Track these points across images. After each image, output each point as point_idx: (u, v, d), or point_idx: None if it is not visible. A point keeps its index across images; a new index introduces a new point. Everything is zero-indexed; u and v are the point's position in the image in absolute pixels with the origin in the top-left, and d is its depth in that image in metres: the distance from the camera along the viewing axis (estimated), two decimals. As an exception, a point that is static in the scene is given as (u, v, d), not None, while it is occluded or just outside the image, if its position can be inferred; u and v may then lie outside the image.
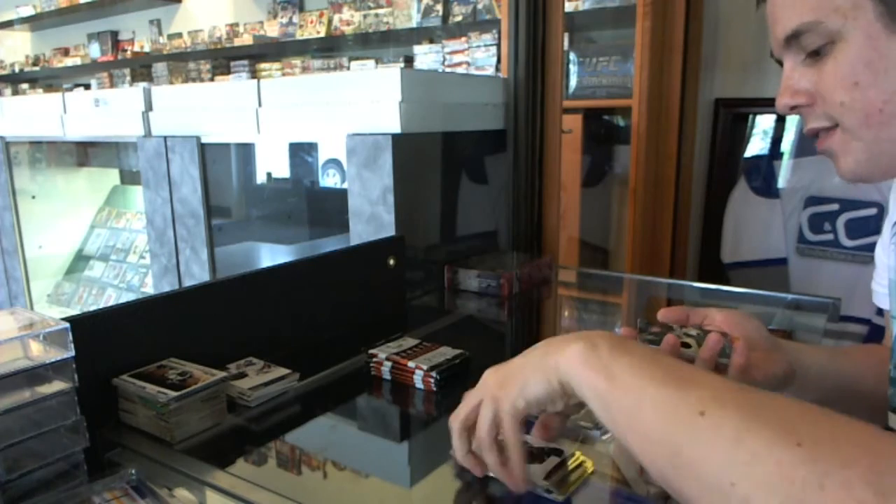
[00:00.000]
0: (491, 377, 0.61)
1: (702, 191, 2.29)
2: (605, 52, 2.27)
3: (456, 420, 0.63)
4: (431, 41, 3.19)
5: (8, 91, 5.79)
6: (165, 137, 1.73)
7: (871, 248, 0.82)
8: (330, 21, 3.59)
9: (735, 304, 1.35)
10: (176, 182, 1.74)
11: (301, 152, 1.97)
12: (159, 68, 4.46)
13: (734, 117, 2.20)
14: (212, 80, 4.15)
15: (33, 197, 2.37)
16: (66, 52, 5.35)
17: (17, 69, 5.69)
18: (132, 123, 1.80)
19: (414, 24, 3.21)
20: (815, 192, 1.95)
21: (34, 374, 0.64)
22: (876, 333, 0.86)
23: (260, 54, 4.03)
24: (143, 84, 4.53)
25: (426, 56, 3.16)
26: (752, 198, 2.10)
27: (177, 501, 0.64)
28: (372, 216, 1.31)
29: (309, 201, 2.06)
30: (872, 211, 1.83)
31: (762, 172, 2.10)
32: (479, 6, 3.00)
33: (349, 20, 3.50)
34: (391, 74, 1.27)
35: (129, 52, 4.78)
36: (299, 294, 1.04)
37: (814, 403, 0.51)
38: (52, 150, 2.45)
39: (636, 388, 0.50)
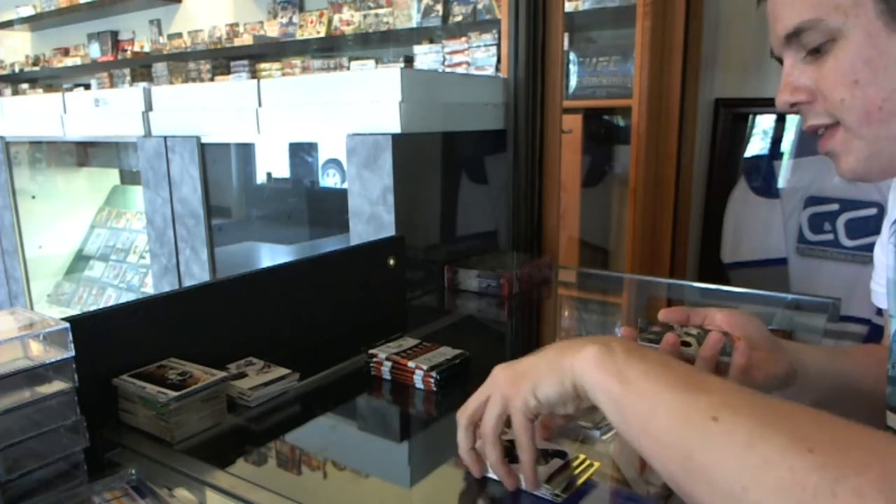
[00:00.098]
0: (502, 374, 0.61)
1: (702, 191, 2.29)
2: (605, 52, 2.27)
3: (463, 414, 0.63)
4: (431, 41, 3.19)
5: (8, 91, 5.79)
6: (165, 137, 1.73)
7: (871, 248, 0.82)
8: (330, 21, 3.59)
9: (735, 304, 1.35)
10: (176, 182, 1.74)
11: (301, 152, 1.97)
12: (159, 68, 4.46)
13: (734, 117, 2.20)
14: (212, 80, 4.15)
15: (33, 197, 2.37)
16: (66, 52, 5.35)
17: (17, 69, 5.69)
18: (132, 123, 1.80)
19: (414, 24, 3.21)
20: (815, 192, 1.95)
21: (34, 374, 0.64)
22: (876, 333, 0.86)
23: (260, 54, 4.03)
24: (143, 84, 4.53)
25: (426, 56, 3.16)
26: (752, 198, 2.10)
27: (177, 501, 0.64)
28: (372, 216, 1.31)
29: (309, 201, 2.06)
30: (872, 211, 1.83)
31: (762, 172, 2.10)
32: (479, 6, 3.00)
33: (349, 20, 3.50)
34: (391, 74, 1.27)
35: (129, 52, 4.78)
36: (299, 294, 1.04)
37: (814, 403, 0.51)
38: (52, 150, 2.45)
39: (650, 393, 0.50)
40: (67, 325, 0.66)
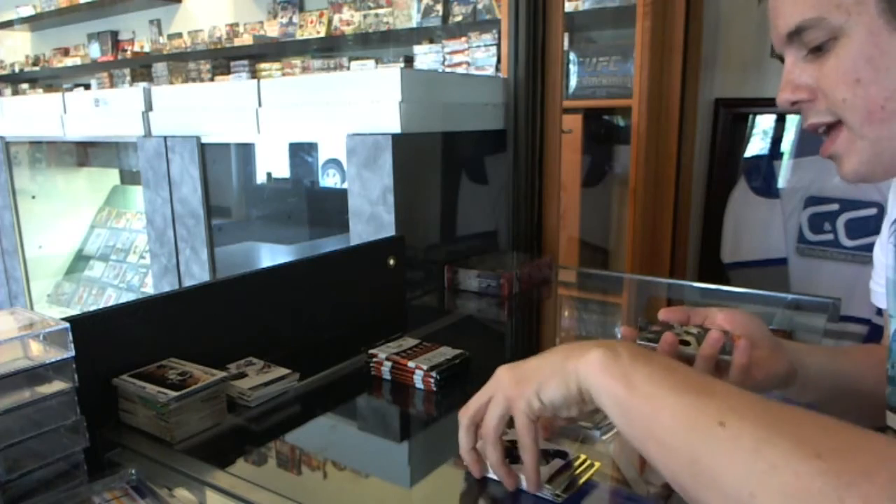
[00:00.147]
0: (506, 375, 0.61)
1: (702, 191, 2.29)
2: (605, 52, 2.27)
3: (465, 414, 0.63)
4: (431, 41, 3.19)
5: (8, 91, 5.79)
6: (165, 137, 1.73)
7: (871, 248, 0.82)
8: (330, 21, 3.59)
9: (735, 304, 1.35)
10: (176, 182, 1.74)
11: (301, 152, 1.97)
12: (159, 68, 4.46)
13: (734, 117, 2.20)
14: (212, 80, 4.15)
15: (33, 197, 2.37)
16: (66, 52, 5.35)
17: (17, 69, 5.69)
18: (132, 123, 1.80)
19: (414, 24, 3.21)
20: (815, 192, 1.95)
21: (34, 374, 0.64)
22: (876, 333, 0.86)
23: (260, 54, 4.03)
24: (143, 84, 4.53)
25: (426, 56, 3.15)
26: (752, 198, 2.10)
27: (177, 501, 0.64)
28: (372, 216, 1.31)
29: (309, 201, 2.06)
30: (872, 211, 1.83)
31: (762, 172, 2.10)
32: (479, 6, 3.00)
33: (349, 20, 3.50)
34: (391, 74, 1.27)
35: (129, 52, 4.78)
36: (299, 294, 1.04)
37: (814, 403, 0.51)
38: (52, 150, 2.45)
39: (656, 397, 0.50)
40: (67, 325, 0.66)
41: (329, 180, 1.91)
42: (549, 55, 1.56)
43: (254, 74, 4.02)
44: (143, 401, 0.75)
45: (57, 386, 0.65)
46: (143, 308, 0.84)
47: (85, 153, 2.53)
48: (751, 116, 2.19)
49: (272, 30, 3.87)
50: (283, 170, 2.05)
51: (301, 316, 1.05)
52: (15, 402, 0.62)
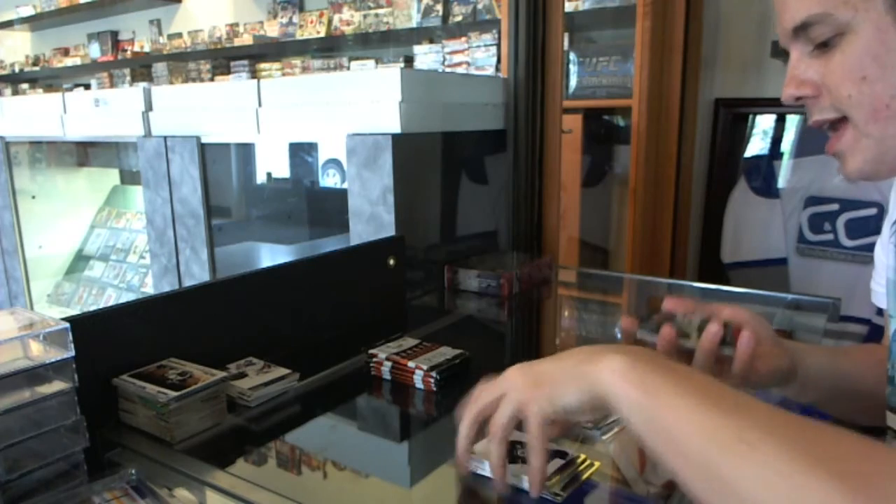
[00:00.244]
0: (519, 376, 0.60)
1: (702, 191, 2.29)
2: (605, 52, 2.27)
3: (473, 407, 0.62)
4: (431, 41, 3.19)
5: (8, 91, 5.79)
6: (165, 137, 1.73)
7: (871, 248, 0.82)
8: (330, 21, 3.59)
9: (735, 304, 1.35)
10: (176, 182, 1.74)
11: (301, 152, 1.97)
12: (159, 68, 4.46)
13: (734, 117, 2.20)
14: (212, 80, 4.15)
15: (33, 197, 2.37)
16: (66, 52, 5.35)
17: (17, 69, 5.69)
18: (132, 123, 1.80)
19: (414, 24, 3.21)
20: (815, 192, 1.95)
21: (34, 374, 0.64)
22: (876, 333, 0.86)
23: (260, 54, 4.03)
24: (143, 84, 4.53)
25: (426, 56, 3.15)
26: (752, 198, 2.10)
27: (177, 501, 0.64)
28: (372, 216, 1.31)
29: (309, 201, 2.06)
30: (872, 211, 1.83)
31: (762, 172, 2.10)
32: (479, 6, 3.00)
33: (349, 20, 3.50)
34: (391, 74, 1.27)
35: (129, 52, 4.78)
36: (299, 294, 1.04)
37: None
38: (52, 150, 2.45)
39: (679, 408, 0.49)
40: (67, 325, 0.66)
41: (329, 180, 1.91)
42: (549, 55, 1.56)
43: (254, 74, 4.02)
44: (143, 401, 0.75)
45: (57, 386, 0.65)
46: (143, 308, 0.84)
47: (85, 153, 2.53)
48: (751, 116, 2.19)
49: (272, 30, 3.87)
50: (283, 170, 2.05)
51: (301, 316, 1.05)
52: (15, 402, 0.62)
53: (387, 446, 0.81)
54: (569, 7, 2.31)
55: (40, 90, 5.53)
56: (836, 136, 0.64)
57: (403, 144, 1.27)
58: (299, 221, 2.04)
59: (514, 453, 0.66)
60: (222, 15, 4.26)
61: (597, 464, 0.67)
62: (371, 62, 3.46)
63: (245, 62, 4.07)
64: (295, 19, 3.76)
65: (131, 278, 2.46)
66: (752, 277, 2.07)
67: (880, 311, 0.81)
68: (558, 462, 0.65)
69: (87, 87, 5.02)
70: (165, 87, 1.90)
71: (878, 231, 0.80)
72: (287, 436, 0.80)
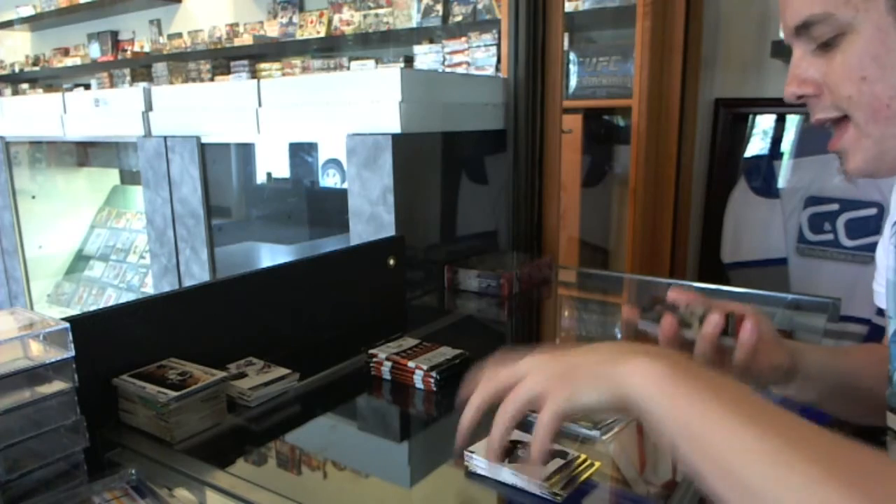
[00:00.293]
0: (544, 366, 0.57)
1: (702, 191, 2.29)
2: (605, 52, 2.27)
3: (487, 385, 0.59)
4: (431, 41, 3.19)
5: (8, 91, 5.79)
6: (165, 137, 1.73)
7: (870, 248, 0.82)
8: (330, 21, 3.59)
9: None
10: (176, 182, 1.74)
11: (301, 152, 1.97)
12: (159, 68, 4.46)
13: (734, 117, 2.20)
14: (212, 80, 4.15)
15: (33, 197, 2.37)
16: (66, 52, 5.35)
17: (17, 69, 5.69)
18: (132, 123, 1.80)
19: (414, 24, 3.21)
20: (815, 192, 1.95)
21: (34, 374, 0.64)
22: (876, 333, 0.86)
23: (260, 54, 4.03)
24: (143, 84, 4.53)
25: (426, 56, 3.15)
26: (752, 198, 2.10)
27: (177, 501, 0.64)
28: (372, 216, 1.31)
29: (309, 201, 2.06)
30: (872, 211, 1.83)
31: (762, 172, 2.10)
32: (479, 6, 3.00)
33: (349, 20, 3.50)
34: (391, 74, 1.27)
35: (129, 52, 4.78)
36: (299, 294, 1.04)
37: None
38: (52, 150, 2.45)
39: (716, 422, 0.48)
40: (67, 325, 0.66)
41: (329, 180, 1.91)
42: (549, 55, 1.56)
43: (254, 74, 4.02)
44: (143, 401, 0.75)
45: (57, 386, 0.65)
46: (143, 308, 0.84)
47: (85, 153, 2.53)
48: (751, 116, 2.19)
49: (272, 30, 3.87)
50: (283, 170, 2.05)
51: (301, 316, 1.05)
52: (15, 402, 0.62)
53: (387, 446, 0.81)
54: (569, 7, 2.31)
55: (40, 90, 5.53)
56: (837, 134, 0.64)
57: (403, 144, 1.27)
58: (299, 221, 2.04)
59: (514, 453, 0.66)
60: (222, 15, 4.26)
61: (597, 464, 0.67)
62: (371, 62, 3.46)
63: (245, 62, 4.07)
64: (295, 19, 3.76)
65: (131, 278, 2.46)
66: (752, 277, 2.07)
67: (881, 311, 0.81)
68: (558, 462, 0.65)
69: (87, 87, 5.02)
70: (165, 87, 1.90)
71: (878, 231, 0.81)
72: (287, 436, 0.80)
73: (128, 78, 4.74)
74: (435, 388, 0.88)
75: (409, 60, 3.29)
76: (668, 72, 2.04)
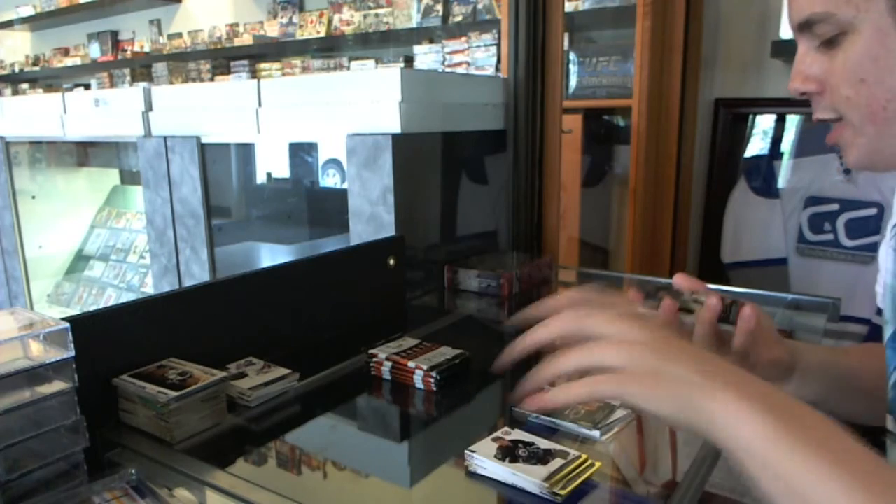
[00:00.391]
0: (640, 350, 0.53)
1: (702, 191, 2.29)
2: (605, 52, 2.27)
3: (573, 319, 0.55)
4: (431, 41, 3.19)
5: (8, 91, 5.79)
6: (165, 137, 1.73)
7: (870, 248, 0.82)
8: (330, 21, 3.59)
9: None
10: (176, 182, 1.74)
11: (301, 152, 1.97)
12: (159, 68, 4.46)
13: (734, 117, 2.20)
14: (212, 80, 4.15)
15: (33, 197, 2.37)
16: (66, 52, 5.35)
17: (17, 69, 5.70)
18: (132, 123, 1.80)
19: (414, 24, 3.21)
20: (815, 192, 1.95)
21: (34, 374, 0.64)
22: (876, 333, 0.86)
23: (260, 54, 4.03)
24: (143, 84, 4.54)
25: (426, 56, 3.16)
26: (752, 198, 2.10)
27: (177, 501, 0.64)
28: (372, 216, 1.31)
29: (309, 201, 2.06)
30: (872, 211, 1.83)
31: (762, 172, 2.10)
32: (479, 6, 3.00)
33: (349, 20, 3.50)
34: (391, 74, 1.27)
35: (129, 52, 4.78)
36: (299, 294, 1.04)
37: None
38: (52, 150, 2.45)
39: (806, 465, 0.46)
40: (67, 325, 0.66)
41: (329, 180, 1.91)
42: (549, 55, 1.56)
43: (254, 74, 4.02)
44: (143, 401, 0.75)
45: (57, 386, 0.65)
46: (143, 308, 0.84)
47: (85, 153, 2.53)
48: (751, 116, 2.19)
49: (272, 30, 3.87)
50: (283, 170, 2.05)
51: (301, 316, 1.05)
52: (15, 402, 0.62)
53: (387, 446, 0.81)
54: (569, 7, 2.31)
55: (40, 90, 5.53)
56: (835, 129, 0.65)
57: (403, 144, 1.27)
58: (299, 221, 2.04)
59: (514, 453, 0.66)
60: (222, 15, 4.26)
61: (597, 464, 0.67)
62: (371, 62, 3.46)
63: (245, 62, 4.08)
64: (295, 19, 3.76)
65: (131, 278, 2.46)
66: (752, 277, 2.07)
67: (881, 311, 0.81)
68: (558, 462, 0.65)
69: (87, 87, 5.02)
70: (165, 87, 1.90)
71: (878, 231, 0.81)
72: (287, 436, 0.80)
73: (128, 78, 4.74)
74: (435, 388, 0.88)
75: (409, 60, 3.29)
76: (668, 72, 2.04)
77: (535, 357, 0.56)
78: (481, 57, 2.95)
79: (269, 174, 2.08)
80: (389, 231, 1.29)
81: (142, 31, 4.80)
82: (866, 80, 0.59)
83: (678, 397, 0.50)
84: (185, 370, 0.80)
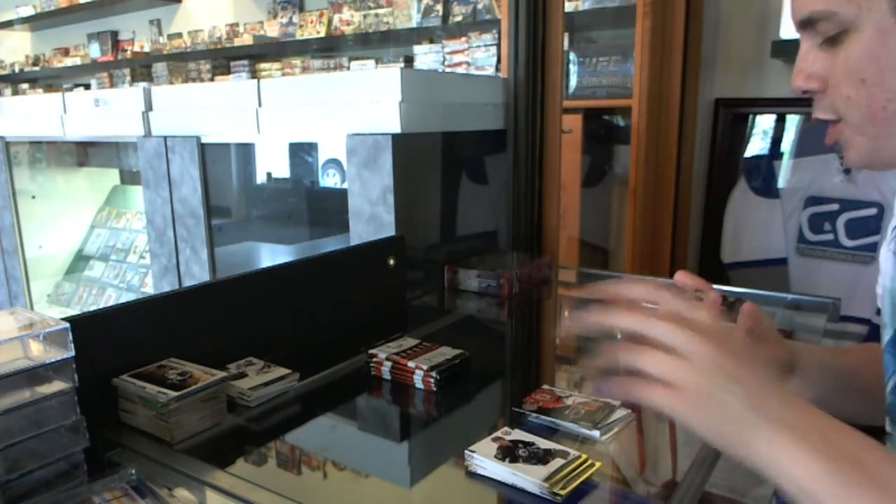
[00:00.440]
0: (708, 374, 0.51)
1: (702, 191, 2.29)
2: (605, 52, 2.27)
3: (648, 324, 0.54)
4: (431, 41, 3.19)
5: (8, 91, 5.79)
6: (165, 137, 1.73)
7: (870, 248, 0.82)
8: (330, 21, 3.59)
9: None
10: (176, 182, 1.74)
11: (301, 152, 1.97)
12: (159, 68, 4.46)
13: (734, 117, 2.20)
14: (212, 80, 4.15)
15: (33, 197, 2.37)
16: (66, 52, 5.35)
17: (17, 69, 5.69)
18: (132, 123, 1.80)
19: (414, 24, 3.21)
20: (815, 192, 1.95)
21: (34, 374, 0.64)
22: (876, 333, 0.86)
23: (260, 54, 4.03)
24: (143, 84, 4.54)
25: (426, 56, 3.16)
26: (752, 198, 2.10)
27: (177, 501, 0.64)
28: (372, 216, 1.31)
29: (309, 201, 2.06)
30: (872, 211, 1.83)
31: (762, 172, 2.10)
32: (479, 6, 3.00)
33: (349, 20, 3.50)
34: (391, 74, 1.27)
35: (129, 52, 4.78)
36: (299, 294, 1.04)
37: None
38: (52, 150, 2.45)
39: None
40: (67, 325, 0.66)
41: (329, 180, 1.91)
42: (549, 55, 1.56)
43: (254, 74, 4.02)
44: (143, 401, 0.75)
45: (57, 386, 0.65)
46: (143, 308, 0.84)
47: (85, 153, 2.53)
48: (751, 116, 2.19)
49: (272, 30, 3.87)
50: (283, 170, 2.05)
51: (301, 316, 1.05)
52: (15, 402, 0.62)
53: (387, 446, 0.81)
54: (569, 7, 2.31)
55: (40, 90, 5.53)
56: (832, 129, 0.65)
57: (403, 144, 1.27)
58: (299, 221, 2.04)
59: (514, 453, 0.66)
60: (222, 15, 4.26)
61: (597, 464, 0.67)
62: (371, 62, 3.46)
63: (245, 62, 4.07)
64: (295, 19, 3.76)
65: (131, 278, 2.46)
66: (752, 277, 2.07)
67: (880, 311, 0.81)
68: (558, 462, 0.65)
69: (87, 87, 5.02)
70: (165, 87, 1.90)
71: (878, 231, 0.81)
72: (287, 436, 0.80)
73: (128, 78, 4.74)
74: (435, 388, 0.88)
75: (409, 60, 3.29)
76: (668, 72, 2.04)
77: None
78: (481, 57, 2.95)
79: (269, 174, 2.08)
80: (389, 231, 1.29)
81: (142, 31, 4.80)
82: (867, 79, 0.59)
83: (728, 428, 0.50)
84: (185, 370, 0.80)
